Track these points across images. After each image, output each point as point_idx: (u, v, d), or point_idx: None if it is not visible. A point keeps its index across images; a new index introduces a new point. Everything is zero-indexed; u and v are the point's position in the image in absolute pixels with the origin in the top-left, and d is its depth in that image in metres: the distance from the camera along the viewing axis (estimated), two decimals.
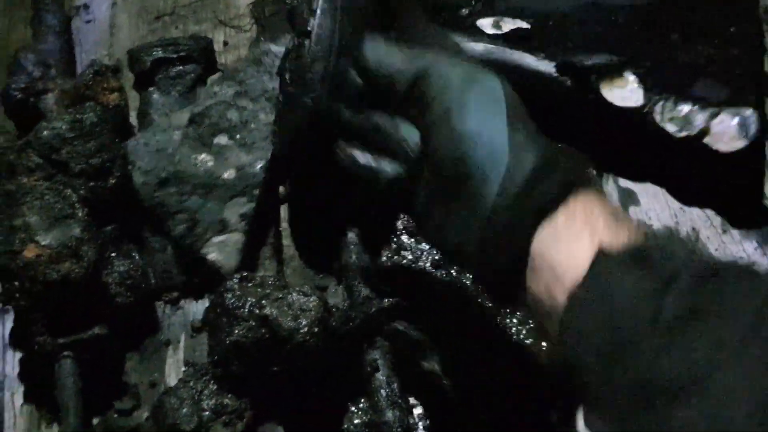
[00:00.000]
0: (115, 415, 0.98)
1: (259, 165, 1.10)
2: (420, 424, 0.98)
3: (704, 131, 1.01)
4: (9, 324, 1.06)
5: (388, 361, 0.97)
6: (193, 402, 0.88)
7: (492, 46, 1.11)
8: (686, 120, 1.02)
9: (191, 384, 0.90)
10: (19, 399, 1.02)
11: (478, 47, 1.11)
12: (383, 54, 0.78)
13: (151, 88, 1.20)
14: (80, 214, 0.95)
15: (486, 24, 1.16)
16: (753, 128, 0.99)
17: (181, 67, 1.22)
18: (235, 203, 1.08)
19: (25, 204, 0.93)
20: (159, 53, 1.21)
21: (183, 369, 1.01)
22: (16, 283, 0.91)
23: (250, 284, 0.95)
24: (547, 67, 1.09)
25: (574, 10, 1.13)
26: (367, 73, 0.80)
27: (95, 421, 0.98)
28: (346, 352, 0.97)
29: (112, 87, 1.12)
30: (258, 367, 0.90)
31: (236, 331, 0.90)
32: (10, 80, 1.11)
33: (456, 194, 0.74)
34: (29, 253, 0.89)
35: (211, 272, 1.05)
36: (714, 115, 1.00)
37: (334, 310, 0.95)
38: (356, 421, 0.98)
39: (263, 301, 0.91)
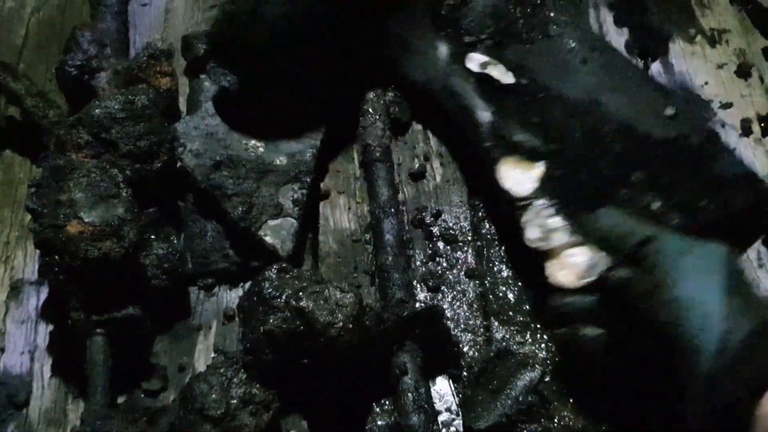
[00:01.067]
0: (142, 395, 0.99)
1: (309, 153, 1.12)
2: (443, 430, 0.97)
3: (552, 253, 0.99)
4: (43, 296, 1.08)
5: (417, 365, 0.97)
6: (222, 389, 0.88)
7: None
8: (547, 234, 1.01)
9: (221, 371, 0.90)
10: (47, 371, 1.03)
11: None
12: (618, 220, 0.91)
13: (202, 76, 1.21)
14: (124, 194, 0.96)
15: (475, 59, 1.16)
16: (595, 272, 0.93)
17: None
18: (288, 189, 1.09)
19: (72, 180, 0.94)
20: None
21: (213, 355, 1.02)
22: (57, 257, 0.92)
23: (288, 275, 0.95)
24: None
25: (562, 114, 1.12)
26: (601, 236, 0.92)
27: (121, 399, 0.99)
28: (375, 352, 0.96)
29: (165, 71, 1.13)
30: (289, 359, 0.90)
31: (271, 321, 0.89)
32: (67, 56, 1.12)
33: (666, 360, 0.77)
34: (72, 228, 0.90)
35: (268, 254, 1.06)
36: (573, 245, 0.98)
37: (367, 309, 0.94)
38: (380, 422, 0.98)
39: (300, 293, 0.91)
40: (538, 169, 1.06)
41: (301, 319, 0.89)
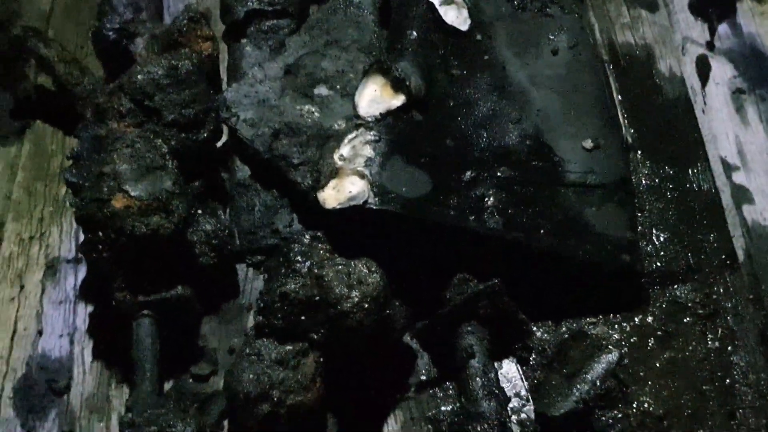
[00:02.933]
0: (191, 380, 0.94)
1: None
2: (513, 417, 0.91)
3: (342, 172, 0.95)
4: (81, 275, 1.03)
5: (485, 347, 0.90)
6: (253, 366, 0.83)
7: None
8: (353, 157, 0.96)
9: (247, 351, 0.85)
10: (88, 355, 0.97)
11: None
12: None
13: (243, 41, 1.14)
14: (171, 166, 0.89)
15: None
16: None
17: (274, 21, 1.16)
18: None
19: (115, 151, 0.88)
20: (254, 4, 1.15)
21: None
22: (101, 234, 0.85)
23: (320, 245, 0.91)
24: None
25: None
26: None
27: (168, 385, 0.93)
28: (393, 348, 0.93)
29: (206, 35, 1.06)
30: (298, 327, 0.85)
31: (289, 284, 0.85)
32: (104, 19, 1.05)
33: None
34: (118, 203, 0.84)
35: None
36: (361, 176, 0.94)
37: (397, 304, 0.90)
38: (444, 408, 0.92)
39: (325, 263, 0.87)
40: (396, 101, 0.99)
41: (318, 287, 0.84)
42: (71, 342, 0.98)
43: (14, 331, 0.99)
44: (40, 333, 0.99)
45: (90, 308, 1.00)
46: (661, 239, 1.05)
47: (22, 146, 1.14)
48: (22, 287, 1.02)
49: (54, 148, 1.14)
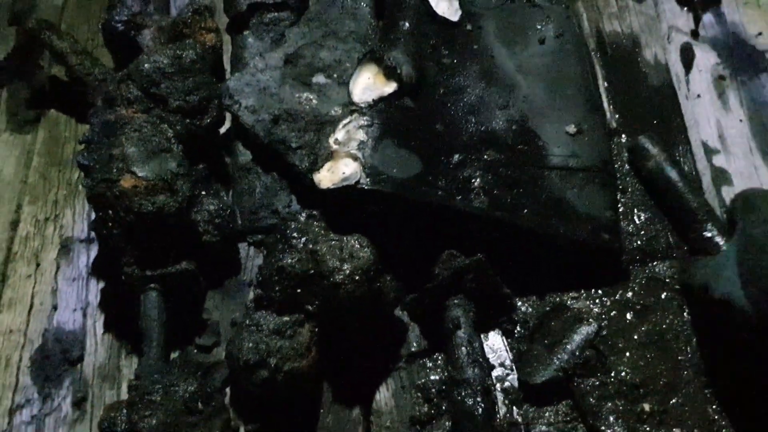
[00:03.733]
0: (195, 351, 0.99)
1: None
2: (498, 385, 0.97)
3: (336, 155, 1.01)
4: (93, 254, 1.09)
5: (471, 319, 0.96)
6: (252, 335, 0.88)
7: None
8: (347, 141, 1.01)
9: (246, 323, 0.91)
10: (100, 327, 1.03)
11: None
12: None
13: (246, 32, 1.19)
14: (176, 149, 0.95)
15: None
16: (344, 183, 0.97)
17: (275, 14, 1.22)
18: None
19: (124, 134, 0.94)
20: None
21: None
22: (110, 212, 0.92)
23: (316, 222, 0.96)
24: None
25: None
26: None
27: (174, 355, 0.99)
28: (385, 317, 0.98)
29: (210, 27, 1.12)
30: (295, 299, 0.91)
31: (286, 259, 0.91)
32: (113, 12, 1.11)
33: None
34: (126, 183, 0.90)
35: None
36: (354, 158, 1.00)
37: (389, 279, 0.95)
38: (433, 377, 0.98)
39: (320, 239, 0.93)
40: (389, 88, 1.04)
41: (313, 262, 0.90)
42: (84, 315, 1.04)
43: (31, 306, 1.05)
44: (55, 307, 1.05)
45: (101, 284, 1.06)
46: (642, 219, 1.10)
47: (37, 134, 1.20)
48: (38, 265, 1.08)
49: (67, 135, 1.20)
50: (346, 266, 0.89)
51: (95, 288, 1.06)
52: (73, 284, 1.07)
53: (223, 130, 1.12)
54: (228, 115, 1.12)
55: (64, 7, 1.34)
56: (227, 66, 1.22)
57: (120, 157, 0.92)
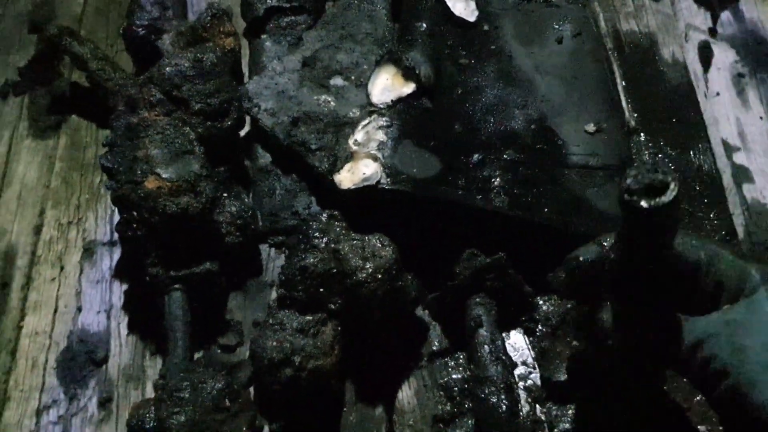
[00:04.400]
0: (219, 351, 1.00)
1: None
2: (520, 383, 0.97)
3: (356, 155, 1.02)
4: (116, 257, 1.10)
5: (492, 317, 0.96)
6: (276, 333, 0.89)
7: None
8: (366, 141, 1.02)
9: (270, 321, 0.92)
10: (124, 329, 1.04)
11: None
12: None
13: (263, 36, 1.21)
14: (198, 151, 0.96)
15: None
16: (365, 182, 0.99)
17: (292, 17, 1.23)
18: None
19: (147, 137, 0.95)
20: (272, 1, 1.22)
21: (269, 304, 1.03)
22: (135, 213, 0.93)
23: (337, 222, 0.97)
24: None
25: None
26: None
27: (197, 355, 1.00)
28: (408, 317, 0.99)
29: (228, 31, 1.13)
30: (317, 298, 0.92)
31: (309, 259, 0.92)
32: (134, 17, 1.13)
33: None
34: (150, 184, 0.91)
35: None
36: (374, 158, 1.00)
37: (410, 277, 0.95)
38: (455, 376, 0.98)
39: (341, 238, 0.93)
40: (407, 89, 1.05)
41: (335, 261, 0.91)
42: (108, 317, 1.05)
43: (56, 309, 1.06)
44: (79, 310, 1.06)
45: (125, 287, 1.07)
46: None
47: (59, 139, 1.22)
48: (62, 268, 1.09)
49: (88, 139, 1.21)
50: (368, 265, 0.90)
51: (119, 290, 1.07)
52: (96, 286, 1.08)
53: (242, 133, 1.13)
54: (247, 118, 1.13)
55: (83, 14, 1.36)
56: (245, 70, 1.23)
57: (144, 158, 0.93)
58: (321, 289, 0.92)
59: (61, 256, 1.10)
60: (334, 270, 0.91)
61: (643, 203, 0.64)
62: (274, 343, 0.89)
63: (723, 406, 0.71)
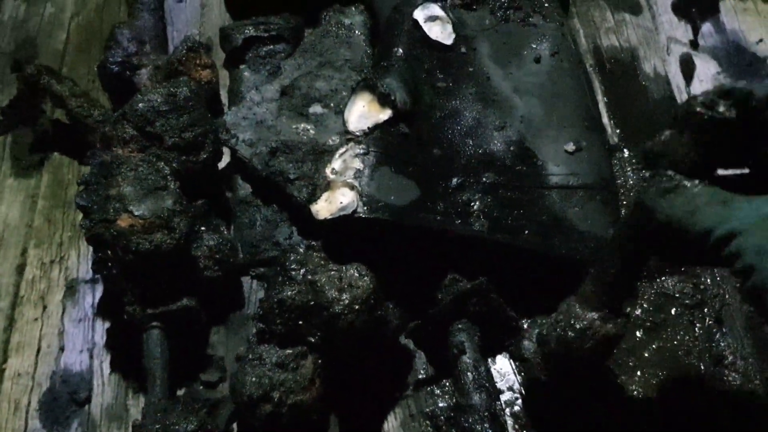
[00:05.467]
0: (201, 387, 0.99)
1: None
2: (507, 410, 0.95)
3: (334, 185, 0.99)
4: (98, 294, 1.09)
5: (475, 343, 0.95)
6: (254, 369, 0.88)
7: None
8: (344, 170, 1.00)
9: (249, 357, 0.91)
10: (107, 367, 1.03)
11: None
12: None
13: (242, 66, 1.20)
14: (172, 187, 0.96)
15: (430, 9, 1.14)
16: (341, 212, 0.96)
17: (271, 47, 1.23)
18: None
19: (120, 174, 0.94)
20: (251, 31, 1.22)
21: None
22: (109, 252, 0.92)
23: (315, 253, 0.96)
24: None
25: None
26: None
27: (180, 392, 0.99)
28: (388, 345, 0.97)
29: (205, 63, 1.13)
30: (297, 331, 0.90)
31: (286, 292, 0.91)
32: (108, 54, 1.13)
33: None
34: (123, 222, 0.90)
35: None
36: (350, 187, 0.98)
37: (389, 307, 0.94)
38: (441, 405, 0.96)
39: (319, 269, 0.92)
40: (384, 115, 1.03)
41: (312, 293, 0.90)
42: (91, 357, 1.04)
43: (39, 349, 1.05)
44: (62, 349, 1.05)
45: (107, 324, 1.06)
46: None
47: (41, 177, 1.22)
48: (44, 308, 1.09)
49: (70, 177, 1.21)
50: (345, 296, 0.89)
51: (101, 328, 1.06)
52: (79, 325, 1.07)
53: (222, 164, 1.13)
54: (227, 150, 1.12)
55: (65, 51, 1.36)
56: (225, 101, 1.22)
57: (117, 196, 0.92)
58: (300, 322, 0.91)
59: (43, 295, 1.10)
60: (312, 302, 0.90)
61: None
62: (254, 379, 0.88)
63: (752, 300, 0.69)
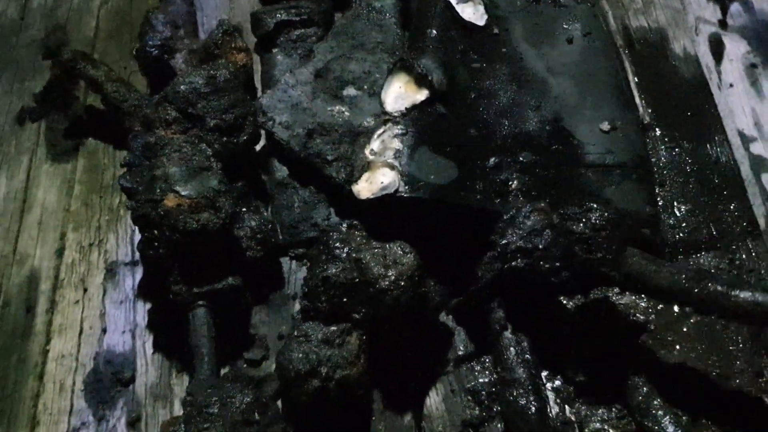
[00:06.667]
0: (245, 365, 1.00)
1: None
2: (548, 384, 0.96)
3: (373, 165, 1.01)
4: (138, 276, 1.10)
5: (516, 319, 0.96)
6: (301, 345, 0.89)
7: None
8: (382, 150, 1.02)
9: (295, 334, 0.92)
10: (149, 348, 1.05)
11: None
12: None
13: (274, 50, 1.21)
14: (215, 167, 0.97)
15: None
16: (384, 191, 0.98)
17: (302, 30, 1.23)
18: None
19: (165, 155, 0.95)
20: (282, 15, 1.23)
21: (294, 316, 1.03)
22: (156, 232, 0.93)
23: (357, 232, 0.97)
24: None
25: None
26: None
27: (224, 371, 0.99)
28: (431, 322, 0.99)
29: (240, 47, 1.13)
30: (341, 308, 0.91)
31: (330, 269, 0.92)
32: (146, 38, 1.14)
33: None
34: (170, 202, 0.91)
35: None
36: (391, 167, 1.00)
37: (433, 283, 0.96)
38: (482, 380, 0.97)
39: (362, 247, 0.93)
40: (420, 96, 1.04)
41: (358, 270, 0.91)
42: (133, 337, 1.06)
43: (81, 331, 1.07)
44: (104, 331, 1.06)
45: (148, 306, 1.08)
46: (683, 211, 1.09)
47: (77, 162, 1.23)
48: (85, 290, 1.10)
49: (106, 162, 1.22)
50: (390, 272, 0.90)
51: (142, 309, 1.08)
52: (120, 307, 1.08)
53: (258, 147, 1.14)
54: (263, 133, 1.13)
55: (96, 38, 1.37)
56: (258, 85, 1.23)
57: (162, 177, 0.93)
58: (344, 299, 0.92)
59: (83, 278, 1.11)
60: (357, 279, 0.91)
61: None
62: (300, 355, 0.89)
63: None
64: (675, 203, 1.10)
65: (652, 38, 1.27)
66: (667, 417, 0.91)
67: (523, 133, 1.07)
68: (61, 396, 1.02)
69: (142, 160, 0.97)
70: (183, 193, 0.92)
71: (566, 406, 0.95)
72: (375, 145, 1.03)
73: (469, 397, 0.97)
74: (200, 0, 1.37)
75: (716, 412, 0.93)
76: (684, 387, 0.95)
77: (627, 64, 1.24)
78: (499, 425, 0.94)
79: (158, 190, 0.93)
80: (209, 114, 1.01)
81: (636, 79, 1.22)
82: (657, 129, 1.17)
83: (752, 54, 1.23)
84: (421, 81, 1.05)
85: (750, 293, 0.84)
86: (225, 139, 1.02)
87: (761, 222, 1.08)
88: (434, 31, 1.12)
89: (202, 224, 0.91)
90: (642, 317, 0.99)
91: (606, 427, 0.93)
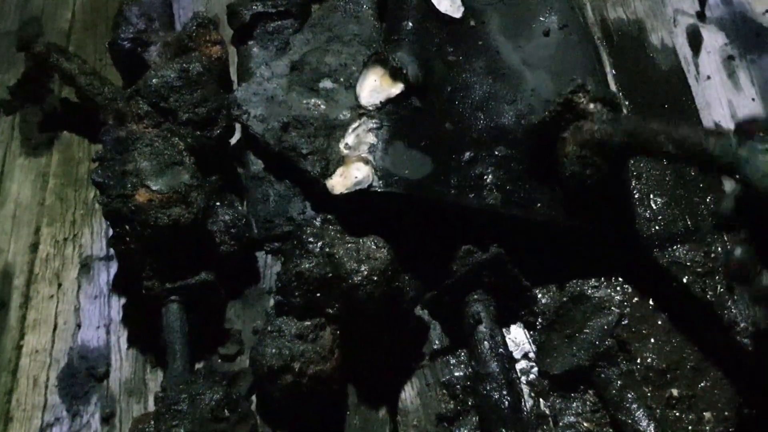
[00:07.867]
0: (219, 360, 1.00)
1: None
2: (522, 378, 0.96)
3: (348, 160, 1.02)
4: (112, 271, 1.10)
5: (491, 313, 0.96)
6: (275, 341, 0.89)
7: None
8: (357, 145, 1.02)
9: (268, 329, 0.92)
10: (124, 343, 1.04)
11: None
12: None
13: (250, 42, 1.20)
14: (188, 162, 0.96)
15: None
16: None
17: (279, 22, 1.23)
18: None
19: (136, 150, 0.95)
20: (258, 7, 1.22)
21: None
22: (127, 227, 0.92)
23: (331, 226, 0.97)
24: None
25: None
26: None
27: (198, 366, 0.99)
28: (405, 316, 0.98)
29: (215, 39, 1.13)
30: (315, 303, 0.91)
31: (304, 264, 0.92)
32: (119, 31, 1.12)
33: None
34: (141, 197, 0.91)
35: None
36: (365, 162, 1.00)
37: (406, 277, 0.96)
38: (457, 374, 0.97)
39: (336, 242, 0.93)
40: (396, 90, 1.04)
41: (331, 265, 0.90)
42: (107, 332, 1.05)
43: (55, 326, 1.06)
44: (78, 326, 1.06)
45: (123, 300, 1.07)
46: (659, 204, 1.09)
47: (51, 156, 1.22)
48: (59, 285, 1.09)
49: (81, 155, 1.21)
50: (363, 267, 0.89)
51: (117, 304, 1.07)
52: (95, 302, 1.08)
53: (233, 141, 1.13)
54: (238, 126, 1.12)
55: (71, 29, 1.36)
56: (234, 78, 1.22)
57: (134, 172, 0.93)
58: (318, 294, 0.91)
59: (58, 272, 1.10)
60: (330, 274, 0.90)
61: None
62: (274, 350, 0.89)
63: None
64: (651, 196, 1.10)
65: (630, 30, 1.27)
66: (641, 410, 0.91)
67: (498, 126, 1.07)
68: (34, 392, 1.01)
69: (113, 154, 0.96)
70: (154, 188, 0.91)
71: (541, 400, 0.95)
72: (350, 139, 1.02)
73: (444, 391, 0.97)
74: None
75: (690, 404, 0.93)
76: (658, 380, 0.95)
77: (604, 56, 1.23)
78: (474, 419, 0.94)
79: (129, 185, 0.92)
80: (181, 108, 1.00)
81: (613, 72, 1.22)
82: None
83: (730, 46, 1.23)
84: (396, 74, 1.05)
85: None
86: (198, 133, 1.01)
87: None
88: (410, 24, 1.11)
89: (174, 219, 0.91)
90: (617, 310, 0.99)
91: (580, 420, 0.93)
